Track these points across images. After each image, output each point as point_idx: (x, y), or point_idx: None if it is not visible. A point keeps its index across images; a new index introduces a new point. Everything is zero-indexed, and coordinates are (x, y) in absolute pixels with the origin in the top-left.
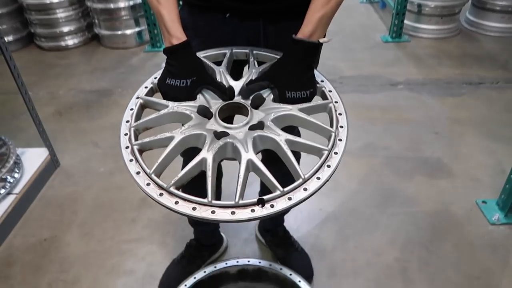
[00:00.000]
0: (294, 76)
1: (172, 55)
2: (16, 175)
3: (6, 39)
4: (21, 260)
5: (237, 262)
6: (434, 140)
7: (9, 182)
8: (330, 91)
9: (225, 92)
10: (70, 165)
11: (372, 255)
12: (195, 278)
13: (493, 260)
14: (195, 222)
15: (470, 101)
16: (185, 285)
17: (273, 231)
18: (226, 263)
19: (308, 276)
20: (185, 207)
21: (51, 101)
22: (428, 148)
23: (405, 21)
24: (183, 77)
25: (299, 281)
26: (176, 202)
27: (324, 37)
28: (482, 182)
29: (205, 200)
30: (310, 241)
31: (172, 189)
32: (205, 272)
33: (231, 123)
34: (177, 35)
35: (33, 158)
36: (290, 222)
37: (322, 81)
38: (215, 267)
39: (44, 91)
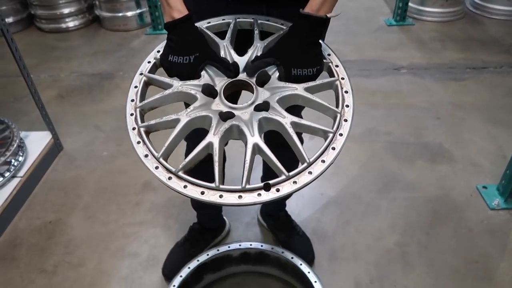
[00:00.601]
0: (300, 53)
1: (173, 29)
2: (20, 158)
3: (6, 20)
4: (26, 242)
5: (240, 245)
6: (436, 125)
7: (14, 165)
8: (337, 66)
9: (229, 69)
10: (73, 149)
11: (372, 239)
12: (198, 260)
13: (492, 245)
14: (198, 205)
15: (473, 86)
16: (189, 268)
17: (275, 216)
18: (229, 246)
19: (310, 259)
20: (193, 191)
21: (53, 84)
22: (430, 134)
23: (410, 4)
24: (186, 53)
25: (301, 264)
26: (185, 186)
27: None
28: (483, 168)
29: (212, 185)
30: (312, 225)
31: (181, 173)
32: (208, 255)
33: (238, 97)
34: (178, 7)
35: (36, 142)
36: (292, 207)
37: (329, 54)
38: (218, 250)
39: (45, 74)
